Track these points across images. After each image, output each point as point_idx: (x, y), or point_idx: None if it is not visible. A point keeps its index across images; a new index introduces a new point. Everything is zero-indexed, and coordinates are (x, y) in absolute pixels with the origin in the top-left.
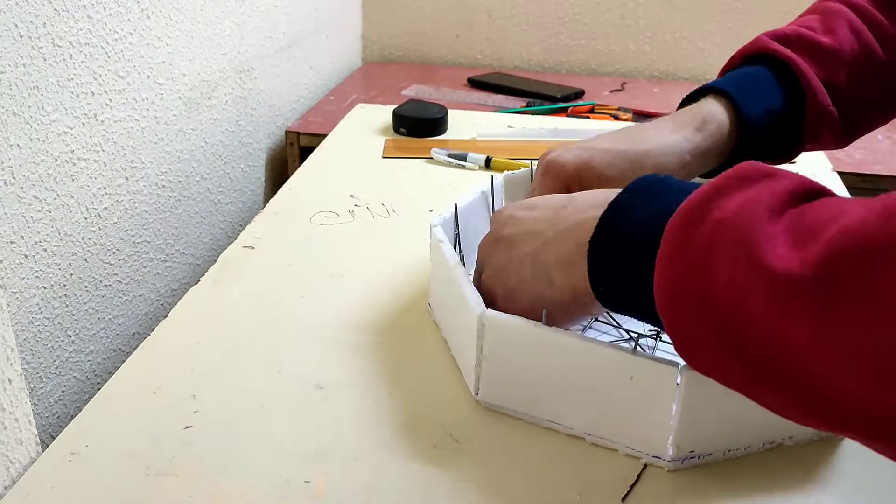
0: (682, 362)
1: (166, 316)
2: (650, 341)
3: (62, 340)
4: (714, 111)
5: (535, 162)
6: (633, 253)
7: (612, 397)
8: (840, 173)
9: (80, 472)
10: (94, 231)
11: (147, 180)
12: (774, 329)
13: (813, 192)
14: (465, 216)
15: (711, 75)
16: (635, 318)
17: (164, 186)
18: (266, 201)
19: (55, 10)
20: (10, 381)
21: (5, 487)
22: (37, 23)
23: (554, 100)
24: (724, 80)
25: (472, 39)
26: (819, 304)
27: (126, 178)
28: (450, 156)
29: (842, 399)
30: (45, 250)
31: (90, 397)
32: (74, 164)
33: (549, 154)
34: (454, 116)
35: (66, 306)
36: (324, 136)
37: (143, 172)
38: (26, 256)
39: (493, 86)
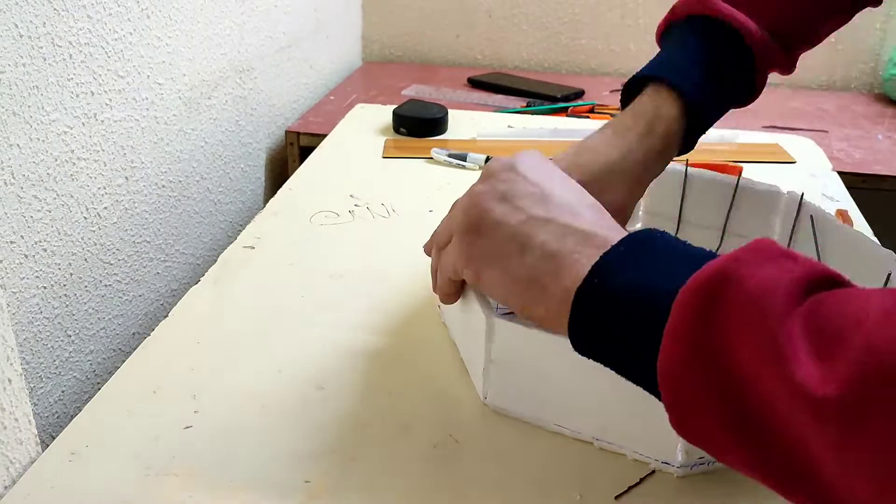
0: None
1: (166, 316)
2: None
3: (62, 340)
4: (660, 106)
5: None
6: (627, 319)
7: (622, 403)
8: (840, 173)
9: (80, 472)
10: (94, 231)
11: (147, 180)
12: (796, 437)
13: (827, 280)
14: None
15: None
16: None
17: (163, 186)
18: (266, 201)
19: (55, 9)
20: (9, 380)
21: (5, 487)
22: (37, 22)
23: (554, 100)
24: (665, 64)
25: (472, 39)
26: (845, 424)
27: (126, 178)
28: (450, 156)
29: None
30: (44, 250)
31: (90, 397)
32: (74, 163)
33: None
34: (454, 116)
35: (66, 306)
36: (324, 136)
37: (142, 172)
38: (26, 256)
39: (493, 86)
